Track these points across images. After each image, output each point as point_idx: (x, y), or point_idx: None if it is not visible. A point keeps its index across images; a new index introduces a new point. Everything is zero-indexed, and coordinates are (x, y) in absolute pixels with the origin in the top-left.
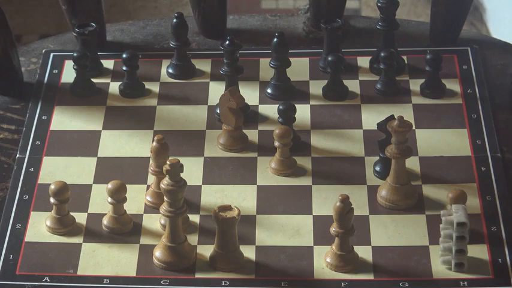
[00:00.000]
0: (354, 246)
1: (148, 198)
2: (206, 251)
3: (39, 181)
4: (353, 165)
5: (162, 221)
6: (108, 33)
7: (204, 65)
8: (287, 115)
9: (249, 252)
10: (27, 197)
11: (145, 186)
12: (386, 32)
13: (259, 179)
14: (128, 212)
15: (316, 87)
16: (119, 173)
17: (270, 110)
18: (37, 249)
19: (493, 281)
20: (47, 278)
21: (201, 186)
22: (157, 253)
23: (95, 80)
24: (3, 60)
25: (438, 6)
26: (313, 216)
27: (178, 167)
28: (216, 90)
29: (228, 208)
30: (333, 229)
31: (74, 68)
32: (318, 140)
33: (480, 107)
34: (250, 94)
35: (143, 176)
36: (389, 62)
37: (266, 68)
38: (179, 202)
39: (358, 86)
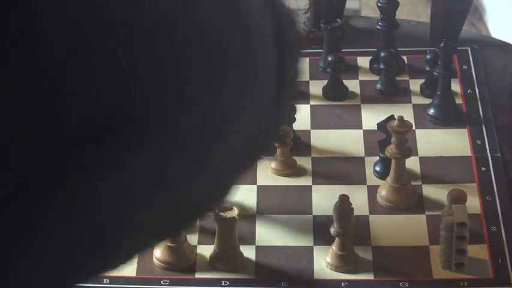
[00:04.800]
0: (354, 246)
1: None
2: (206, 251)
3: None
4: (353, 165)
5: None
6: None
7: None
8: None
9: (249, 252)
10: None
11: None
12: (387, 32)
13: (259, 179)
14: None
15: (316, 87)
16: None
17: None
18: None
19: (493, 281)
20: None
21: None
22: (157, 253)
23: None
24: None
25: (438, 6)
26: (313, 216)
27: None
28: None
29: (228, 208)
30: (333, 229)
31: None
32: (318, 140)
33: (480, 107)
34: None
35: None
36: (389, 62)
37: None
38: None
39: (358, 86)
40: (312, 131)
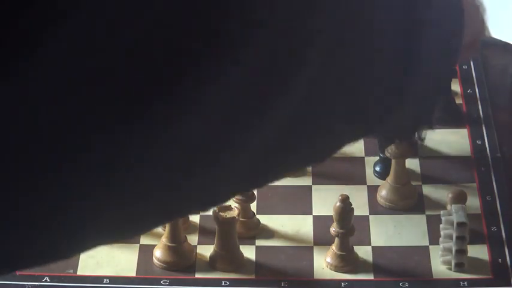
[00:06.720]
0: (354, 246)
1: None
2: (206, 251)
3: None
4: (353, 165)
5: None
6: None
7: None
8: None
9: (249, 252)
10: None
11: None
12: None
13: None
14: None
15: None
16: None
17: None
18: None
19: (493, 281)
20: (47, 278)
21: None
22: (157, 253)
23: None
24: None
25: None
26: (313, 216)
27: None
28: None
29: (228, 208)
30: (333, 229)
31: None
32: None
33: (480, 107)
34: None
35: None
36: None
37: None
38: None
39: None
40: None
